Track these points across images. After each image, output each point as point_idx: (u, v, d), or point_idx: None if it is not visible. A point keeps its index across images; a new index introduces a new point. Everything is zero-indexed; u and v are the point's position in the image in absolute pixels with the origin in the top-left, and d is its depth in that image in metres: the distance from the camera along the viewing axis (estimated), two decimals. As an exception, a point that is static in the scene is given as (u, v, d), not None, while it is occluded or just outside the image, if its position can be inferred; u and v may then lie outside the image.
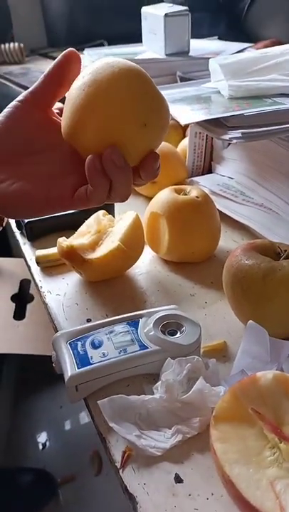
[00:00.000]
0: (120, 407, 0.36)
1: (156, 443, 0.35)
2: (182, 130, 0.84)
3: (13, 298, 1.05)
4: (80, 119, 0.37)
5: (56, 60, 0.40)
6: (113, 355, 0.39)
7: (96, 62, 0.37)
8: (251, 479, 0.28)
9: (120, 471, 0.34)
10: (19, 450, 1.17)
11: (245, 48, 1.08)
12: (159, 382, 0.38)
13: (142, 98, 0.36)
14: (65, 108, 0.38)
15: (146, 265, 0.58)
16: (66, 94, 0.40)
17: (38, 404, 1.28)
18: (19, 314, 1.01)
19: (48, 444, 1.19)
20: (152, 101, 0.37)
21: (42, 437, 1.21)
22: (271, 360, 0.38)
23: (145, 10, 1.02)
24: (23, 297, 1.06)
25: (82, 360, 0.39)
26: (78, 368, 0.38)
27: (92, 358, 0.39)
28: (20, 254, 1.21)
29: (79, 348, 0.40)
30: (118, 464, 0.34)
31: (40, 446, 1.19)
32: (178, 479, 0.33)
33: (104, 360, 0.39)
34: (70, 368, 0.38)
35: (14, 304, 1.03)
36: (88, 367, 0.38)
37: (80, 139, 0.37)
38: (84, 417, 1.23)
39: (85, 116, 0.36)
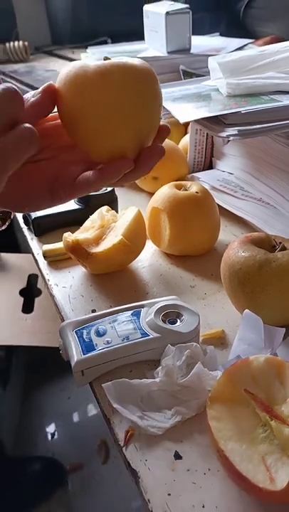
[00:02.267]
0: (123, 390, 0.39)
1: (157, 423, 0.37)
2: (184, 127, 0.86)
3: (22, 292, 1.08)
4: (79, 122, 0.37)
5: (40, 90, 0.39)
6: (116, 342, 0.42)
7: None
8: (244, 454, 0.31)
9: (124, 448, 0.37)
10: (29, 440, 1.21)
11: (245, 45, 1.09)
12: (160, 367, 0.40)
13: (137, 106, 0.37)
14: (63, 107, 0.39)
15: (148, 259, 0.60)
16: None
17: (47, 396, 1.31)
18: (27, 308, 1.05)
19: (56, 433, 1.23)
20: (145, 105, 0.37)
21: (50, 427, 1.25)
22: (265, 346, 0.40)
23: (147, 8, 1.04)
24: (31, 291, 1.09)
25: (88, 346, 0.41)
26: (84, 354, 0.41)
27: (96, 345, 0.42)
28: (27, 250, 1.24)
29: (84, 336, 0.43)
30: (122, 443, 0.37)
31: (49, 436, 1.22)
32: (177, 456, 0.36)
33: (108, 347, 0.41)
34: (76, 354, 0.41)
35: (22, 298, 1.07)
36: (93, 353, 0.41)
37: (80, 138, 0.38)
38: (91, 408, 1.26)
39: (81, 117, 0.36)
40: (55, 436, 1.22)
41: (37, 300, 1.07)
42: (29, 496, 1.01)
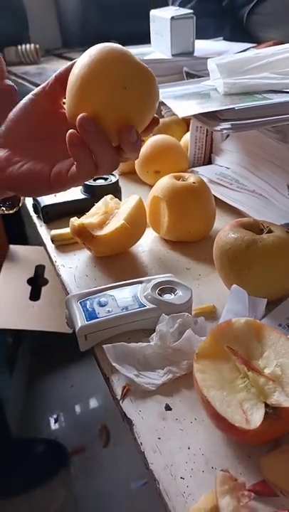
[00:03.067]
0: (122, 352, 0.43)
1: (151, 380, 0.42)
2: (185, 125, 0.91)
3: (29, 281, 1.14)
4: (72, 97, 0.41)
5: (67, 64, 0.46)
6: (116, 311, 0.47)
7: None
8: (224, 399, 0.35)
9: (120, 401, 0.41)
10: (33, 424, 1.26)
11: (247, 49, 1.14)
12: (155, 333, 0.45)
13: (122, 63, 0.39)
14: (66, 95, 0.44)
15: (148, 244, 0.65)
16: None
17: (51, 383, 1.36)
18: (34, 296, 1.10)
19: (59, 419, 1.28)
20: (133, 66, 0.40)
21: (54, 413, 1.30)
22: (249, 315, 0.44)
23: (153, 13, 1.09)
24: (38, 281, 1.15)
25: (91, 315, 0.46)
26: (87, 321, 0.45)
27: (98, 313, 0.46)
28: (35, 242, 1.29)
29: (88, 306, 0.48)
30: (119, 397, 0.42)
31: (53, 421, 1.27)
32: (167, 408, 0.40)
33: (109, 315, 0.46)
34: (80, 320, 0.46)
35: (30, 287, 1.13)
36: (95, 320, 0.45)
37: (75, 115, 0.41)
38: (93, 395, 1.31)
39: (74, 93, 0.41)
40: (58, 422, 1.27)
41: (44, 289, 1.12)
42: (32, 477, 1.06)
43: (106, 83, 0.39)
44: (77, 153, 0.41)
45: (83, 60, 0.41)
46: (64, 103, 0.47)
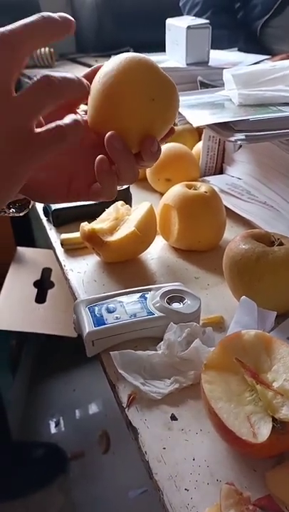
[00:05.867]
0: (129, 359, 0.43)
1: (157, 389, 0.42)
2: (198, 134, 0.91)
3: (36, 284, 1.15)
4: (97, 105, 0.41)
5: (86, 71, 0.46)
6: (124, 318, 0.46)
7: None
8: (232, 412, 0.35)
9: (126, 409, 0.41)
10: (33, 427, 1.25)
11: (262, 60, 1.14)
12: (162, 341, 0.45)
13: (150, 75, 0.40)
14: (88, 102, 0.44)
15: (157, 251, 0.65)
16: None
17: (53, 386, 1.36)
18: (40, 298, 1.11)
19: (60, 423, 1.27)
20: (160, 78, 0.40)
21: (55, 417, 1.29)
22: (258, 328, 0.44)
23: (169, 22, 1.10)
24: (44, 283, 1.15)
25: (99, 321, 0.46)
26: (95, 327, 0.45)
27: (106, 319, 0.46)
28: (43, 245, 1.29)
29: (96, 312, 0.48)
30: (124, 404, 0.41)
31: (53, 425, 1.27)
32: (173, 418, 0.40)
33: (117, 322, 0.46)
34: (88, 326, 0.46)
35: (36, 290, 1.13)
36: (103, 326, 0.45)
37: (98, 122, 0.42)
38: (95, 401, 1.30)
39: (99, 101, 0.41)
40: (59, 426, 1.26)
41: (50, 292, 1.12)
42: (31, 480, 1.06)
43: (135, 95, 0.40)
44: (104, 179, 0.41)
45: (109, 68, 0.41)
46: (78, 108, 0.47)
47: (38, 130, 0.36)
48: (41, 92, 0.35)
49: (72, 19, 0.38)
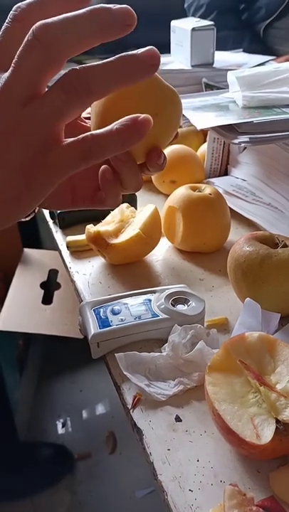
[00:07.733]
0: (133, 361, 0.44)
1: (162, 390, 0.42)
2: (203, 136, 0.91)
3: (42, 285, 1.15)
4: (100, 118, 0.40)
5: None
6: (129, 320, 0.47)
7: None
8: (235, 414, 0.35)
9: (131, 411, 0.41)
10: (40, 428, 1.26)
11: (267, 61, 1.14)
12: (167, 343, 0.45)
13: (153, 90, 0.39)
14: (91, 111, 0.45)
15: (162, 253, 0.65)
16: None
17: (60, 387, 1.37)
18: (47, 300, 1.11)
19: (66, 423, 1.28)
20: (163, 92, 0.40)
21: (62, 417, 1.30)
22: (262, 330, 0.44)
23: (174, 23, 1.10)
24: (50, 285, 1.16)
25: (104, 322, 0.47)
26: (100, 329, 0.46)
27: (112, 321, 0.47)
28: (49, 247, 1.30)
29: (101, 314, 0.48)
30: (129, 406, 0.42)
31: (60, 426, 1.28)
32: (178, 419, 0.40)
33: (122, 324, 0.46)
34: (93, 328, 0.46)
35: (43, 291, 1.14)
36: (108, 328, 0.46)
37: None
38: (101, 401, 1.31)
39: (102, 113, 0.40)
40: (66, 426, 1.27)
41: (56, 293, 1.13)
42: (38, 480, 1.07)
43: (138, 111, 0.40)
44: (108, 188, 0.41)
45: None
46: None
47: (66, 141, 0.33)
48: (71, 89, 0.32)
49: None
